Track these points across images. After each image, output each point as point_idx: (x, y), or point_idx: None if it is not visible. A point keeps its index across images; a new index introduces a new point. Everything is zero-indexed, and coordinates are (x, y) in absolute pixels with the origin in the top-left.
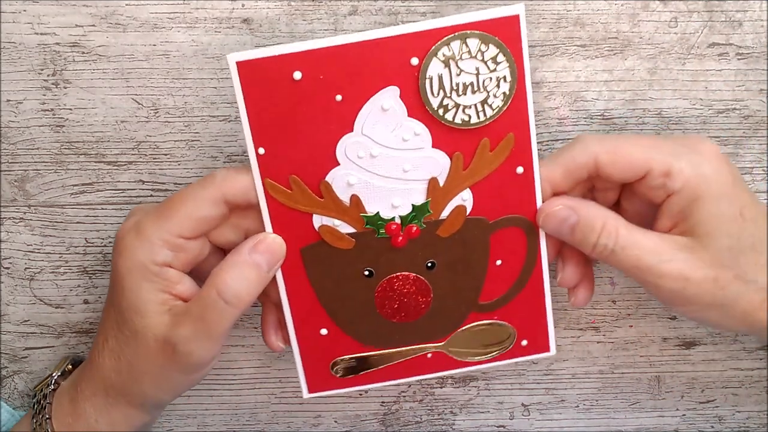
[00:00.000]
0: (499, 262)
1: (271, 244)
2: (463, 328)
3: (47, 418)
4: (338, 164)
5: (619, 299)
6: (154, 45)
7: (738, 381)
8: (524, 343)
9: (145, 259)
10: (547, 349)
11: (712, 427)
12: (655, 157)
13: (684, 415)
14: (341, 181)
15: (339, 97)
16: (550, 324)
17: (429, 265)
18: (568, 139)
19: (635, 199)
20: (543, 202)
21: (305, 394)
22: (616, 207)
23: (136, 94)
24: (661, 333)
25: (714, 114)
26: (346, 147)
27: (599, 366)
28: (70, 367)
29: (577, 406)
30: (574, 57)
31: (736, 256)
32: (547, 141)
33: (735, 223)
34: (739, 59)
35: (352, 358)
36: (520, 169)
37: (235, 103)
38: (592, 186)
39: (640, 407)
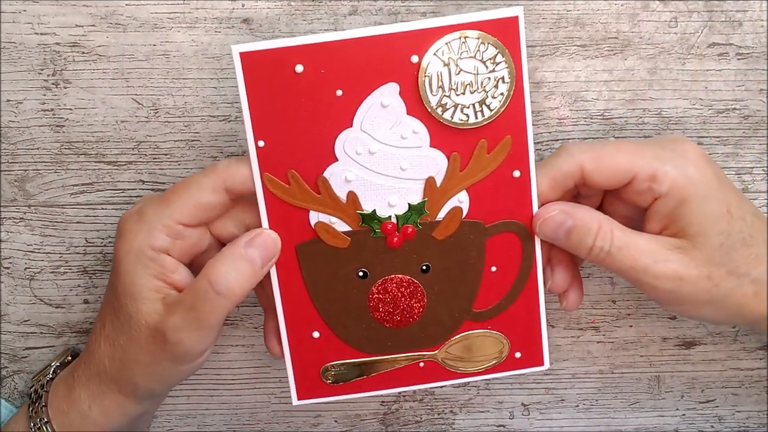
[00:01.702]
0: (494, 269)
1: (266, 239)
2: (457, 336)
3: (43, 406)
4: (336, 160)
5: (619, 299)
6: (154, 45)
7: (738, 381)
8: (518, 355)
9: (143, 243)
10: (541, 362)
11: (712, 427)
12: (639, 162)
13: (684, 415)
14: (339, 177)
15: (339, 92)
16: (545, 337)
17: (424, 268)
18: (568, 139)
19: (619, 203)
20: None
21: (294, 401)
22: (600, 211)
23: (136, 94)
24: (661, 333)
25: (714, 114)
26: (344, 142)
27: (599, 366)
28: (70, 358)
29: (577, 406)
30: (574, 57)
31: (727, 252)
32: (547, 141)
33: (724, 221)
34: (739, 59)
35: (343, 364)
36: (516, 173)
37: (236, 103)
38: (576, 192)
39: (640, 407)
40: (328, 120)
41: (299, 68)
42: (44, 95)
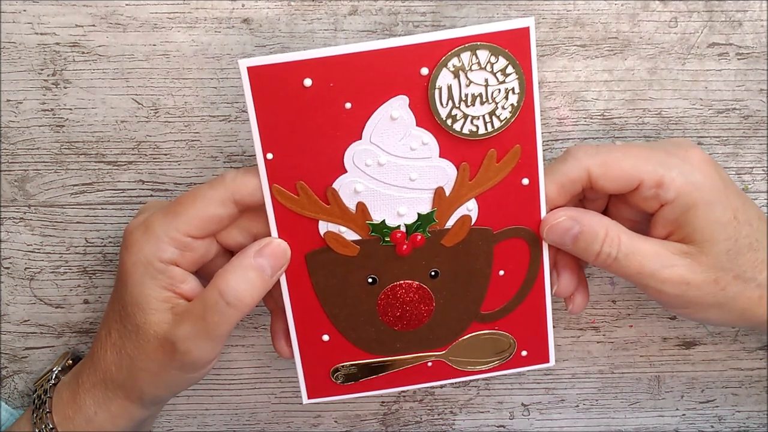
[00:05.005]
0: (501, 273)
1: (275, 249)
2: (464, 337)
3: (47, 412)
4: (345, 171)
5: (619, 299)
6: (154, 45)
7: (738, 381)
8: (524, 353)
9: (151, 255)
10: (546, 359)
11: (712, 427)
12: (645, 168)
13: (684, 415)
14: (348, 188)
15: (348, 105)
16: (550, 335)
17: (432, 273)
18: (569, 139)
19: (625, 207)
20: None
21: (305, 400)
22: (605, 214)
23: (136, 94)
24: (661, 333)
25: (714, 114)
26: (354, 154)
27: (599, 366)
28: (71, 362)
29: (577, 406)
30: (574, 57)
31: (734, 257)
32: (547, 141)
33: (731, 227)
34: (739, 59)
35: (352, 364)
36: (525, 181)
37: (236, 103)
38: (582, 196)
39: (640, 407)
40: (337, 133)
41: (307, 82)
42: (44, 95)
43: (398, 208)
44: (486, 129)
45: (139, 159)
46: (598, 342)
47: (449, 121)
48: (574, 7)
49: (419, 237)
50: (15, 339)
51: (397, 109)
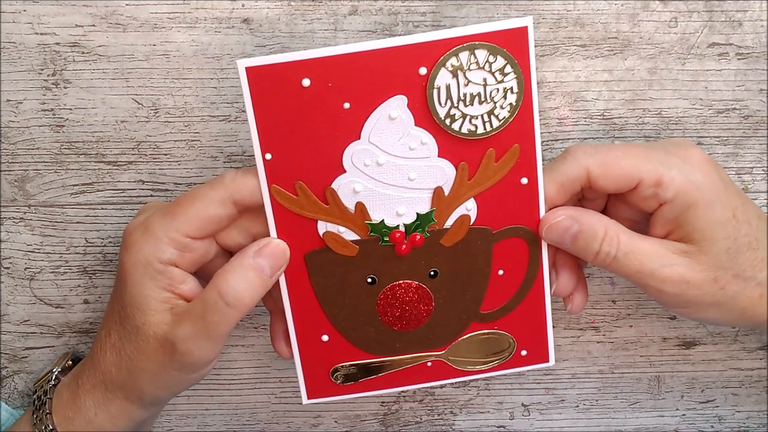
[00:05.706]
0: (501, 272)
1: (275, 249)
2: (464, 337)
3: (47, 413)
4: (344, 171)
5: (619, 299)
6: (154, 45)
7: (738, 381)
8: (524, 353)
9: (151, 256)
10: (546, 359)
11: (712, 427)
12: (645, 168)
13: (684, 415)
14: (347, 188)
15: (347, 105)
16: (550, 335)
17: (432, 273)
18: (569, 139)
19: (623, 207)
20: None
21: (304, 400)
22: (604, 214)
23: (136, 94)
24: (661, 333)
25: (714, 114)
26: (352, 154)
27: (599, 366)
28: (70, 362)
29: (577, 406)
30: (574, 57)
31: (734, 256)
32: (547, 141)
33: (730, 226)
34: (739, 59)
35: (352, 365)
36: (524, 180)
37: (235, 103)
38: (581, 195)
39: (640, 407)
40: (336, 133)
41: (306, 82)
42: (44, 95)
43: (397, 207)
44: (484, 128)
45: (139, 159)
46: (598, 342)
47: (448, 121)
48: (574, 7)
49: (418, 237)
50: (15, 339)
51: (396, 108)
